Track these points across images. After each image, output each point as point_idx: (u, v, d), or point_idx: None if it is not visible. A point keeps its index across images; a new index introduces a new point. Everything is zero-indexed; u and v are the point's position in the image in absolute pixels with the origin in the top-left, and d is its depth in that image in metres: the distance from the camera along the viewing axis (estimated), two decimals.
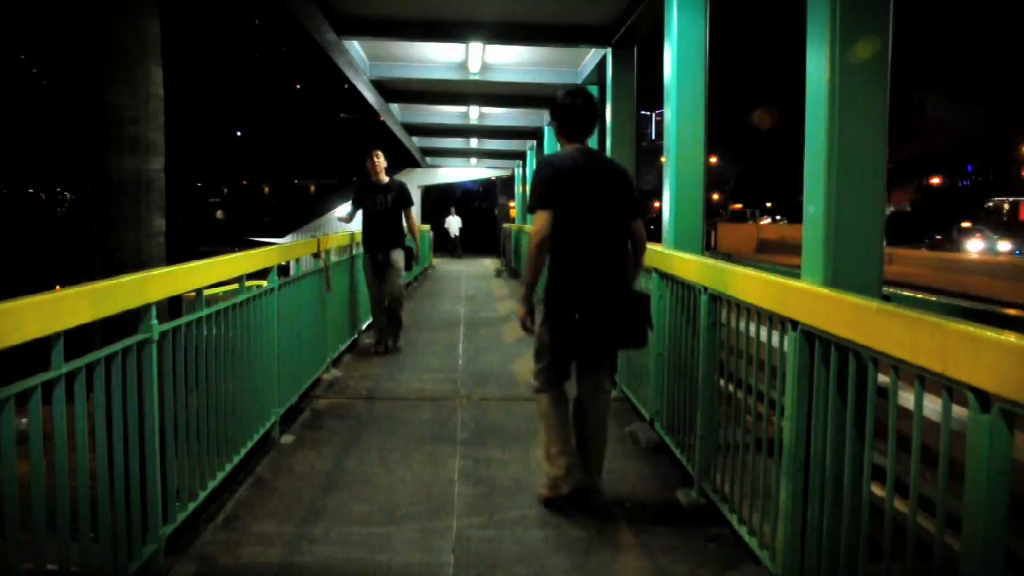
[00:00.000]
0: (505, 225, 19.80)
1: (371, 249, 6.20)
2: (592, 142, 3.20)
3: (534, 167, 3.12)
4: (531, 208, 2.94)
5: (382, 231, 6.17)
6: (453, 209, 24.93)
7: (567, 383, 3.09)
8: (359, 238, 6.46)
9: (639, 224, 3.07)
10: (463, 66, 8.80)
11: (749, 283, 2.60)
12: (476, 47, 7.79)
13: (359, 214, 6.35)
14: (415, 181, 23.45)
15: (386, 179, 6.24)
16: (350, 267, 6.40)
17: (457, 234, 23.96)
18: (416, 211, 6.37)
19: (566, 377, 3.07)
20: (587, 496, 3.03)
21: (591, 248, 2.91)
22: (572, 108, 3.05)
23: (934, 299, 3.25)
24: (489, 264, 19.40)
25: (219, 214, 67.23)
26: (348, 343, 6.30)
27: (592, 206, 2.92)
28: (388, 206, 6.16)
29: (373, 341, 6.38)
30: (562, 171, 2.91)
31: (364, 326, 7.00)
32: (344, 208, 6.34)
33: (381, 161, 6.20)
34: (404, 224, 6.31)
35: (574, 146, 3.04)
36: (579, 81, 8.86)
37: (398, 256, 6.18)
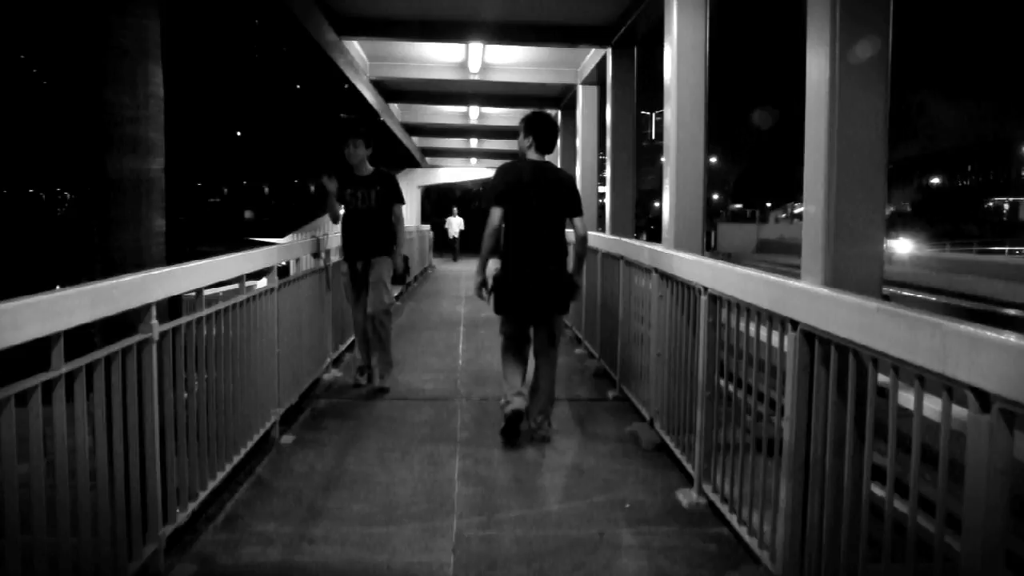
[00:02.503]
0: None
1: (350, 256, 4.94)
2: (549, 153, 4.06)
3: (495, 173, 4.00)
4: (487, 205, 3.94)
5: (363, 234, 4.89)
6: (455, 209, 24.42)
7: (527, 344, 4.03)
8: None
9: (579, 220, 3.97)
10: (463, 66, 8.81)
11: (749, 283, 2.60)
12: (476, 47, 7.81)
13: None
14: (415, 181, 23.38)
15: (370, 169, 4.94)
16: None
17: (457, 235, 22.56)
18: (414, 212, 5.83)
19: (519, 329, 3.99)
20: (521, 424, 3.88)
21: (525, 236, 3.86)
22: (556, 129, 3.98)
23: (934, 299, 3.25)
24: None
25: (247, 214, 68.09)
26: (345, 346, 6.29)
27: (531, 207, 3.84)
28: (371, 204, 4.87)
29: (356, 374, 5.13)
30: (511, 179, 3.87)
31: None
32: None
33: (360, 151, 4.89)
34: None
35: (534, 158, 3.92)
36: (579, 81, 8.87)
37: (382, 267, 4.89)
